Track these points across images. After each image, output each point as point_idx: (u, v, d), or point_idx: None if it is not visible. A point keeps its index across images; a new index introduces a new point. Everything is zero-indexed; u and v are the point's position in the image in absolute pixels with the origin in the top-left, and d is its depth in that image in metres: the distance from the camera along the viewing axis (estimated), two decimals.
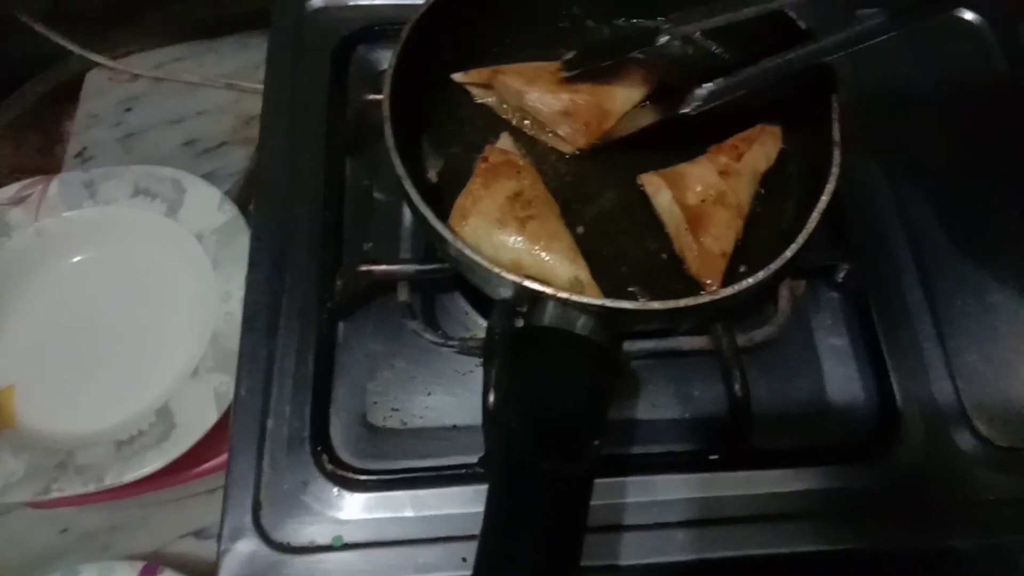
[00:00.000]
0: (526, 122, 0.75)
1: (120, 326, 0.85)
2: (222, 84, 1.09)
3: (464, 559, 0.63)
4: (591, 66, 0.71)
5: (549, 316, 0.59)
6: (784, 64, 0.67)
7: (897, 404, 0.71)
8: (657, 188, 0.69)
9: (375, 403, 0.71)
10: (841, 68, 0.70)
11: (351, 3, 0.91)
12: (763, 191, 0.72)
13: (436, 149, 0.74)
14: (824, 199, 0.63)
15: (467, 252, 0.60)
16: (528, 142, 0.75)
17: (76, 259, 0.89)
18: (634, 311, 0.59)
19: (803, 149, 0.73)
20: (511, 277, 0.59)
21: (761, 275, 0.60)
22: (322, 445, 0.68)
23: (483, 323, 0.75)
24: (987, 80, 0.91)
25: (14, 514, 0.82)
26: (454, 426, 0.71)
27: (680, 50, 0.78)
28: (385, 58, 0.87)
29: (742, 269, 0.68)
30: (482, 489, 0.65)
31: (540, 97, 0.72)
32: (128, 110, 1.08)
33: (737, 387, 0.64)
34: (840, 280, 0.76)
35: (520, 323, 0.65)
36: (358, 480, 0.67)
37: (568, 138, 0.73)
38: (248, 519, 0.64)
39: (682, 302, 0.59)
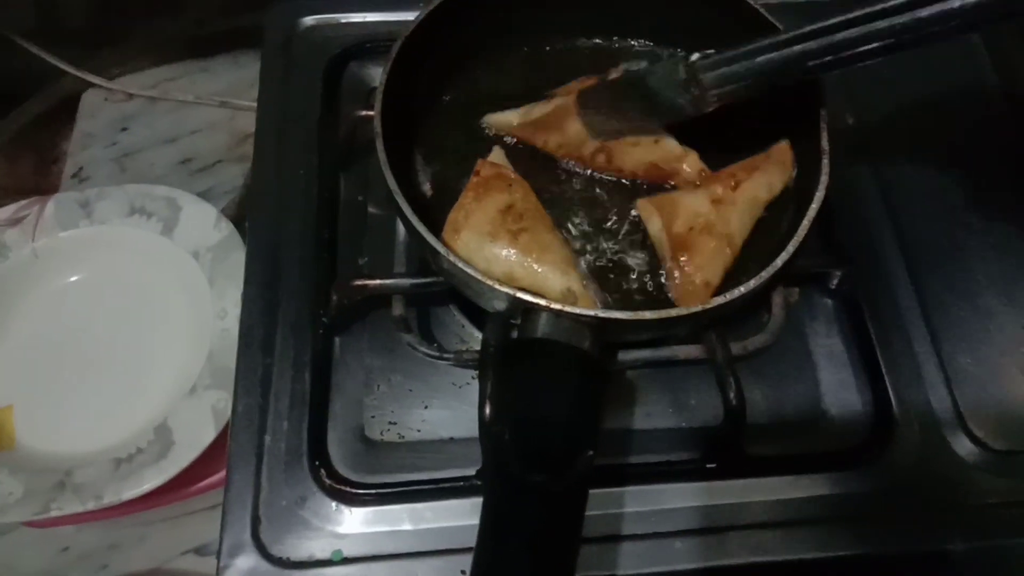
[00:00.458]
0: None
1: (117, 345, 0.86)
2: (216, 102, 1.09)
3: (463, 572, 0.64)
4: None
5: (543, 328, 0.59)
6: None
7: (892, 409, 0.71)
8: (649, 214, 0.69)
9: (372, 417, 0.72)
10: (829, 78, 0.70)
11: (343, 20, 0.92)
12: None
13: (428, 163, 0.75)
14: (814, 207, 0.64)
15: (460, 265, 0.60)
16: (523, 156, 0.75)
17: (73, 279, 0.90)
18: (627, 321, 0.59)
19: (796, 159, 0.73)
20: (504, 289, 0.59)
21: (752, 283, 0.60)
22: (320, 460, 0.68)
23: (478, 336, 0.75)
24: (977, 90, 0.91)
25: (13, 534, 0.83)
26: (451, 439, 0.71)
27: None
28: (376, 74, 0.88)
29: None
30: (479, 502, 0.64)
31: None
32: (123, 130, 1.09)
33: (732, 395, 0.65)
34: (833, 287, 0.77)
35: (515, 335, 0.65)
36: (356, 494, 0.67)
37: None
38: (247, 535, 0.64)
39: (674, 312, 0.60)
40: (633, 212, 0.71)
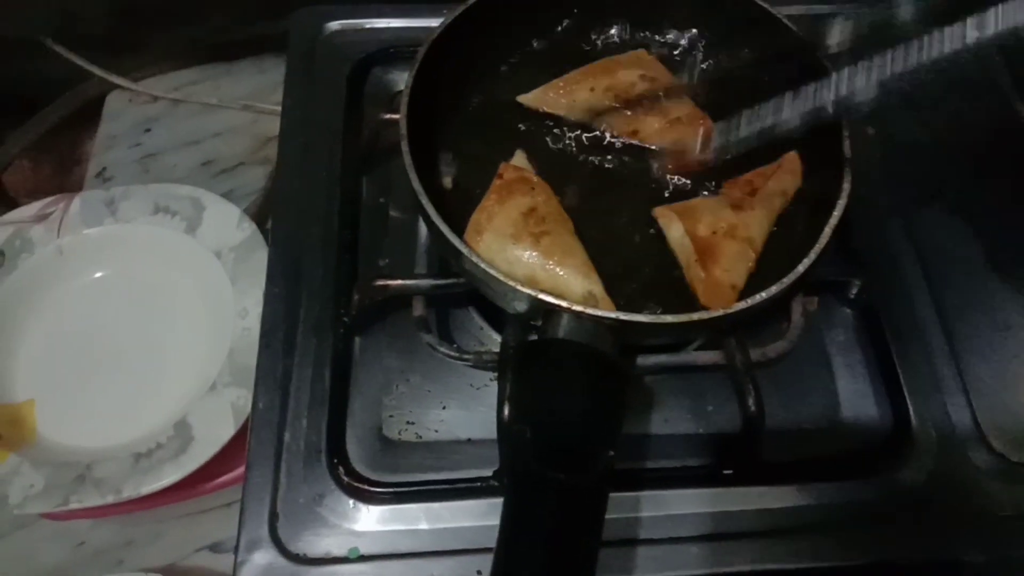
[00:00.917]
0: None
1: (139, 341, 0.86)
2: (239, 106, 1.10)
3: (479, 572, 0.64)
4: None
5: (563, 329, 0.59)
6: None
7: (910, 419, 0.71)
8: (670, 221, 0.70)
9: (391, 417, 0.72)
10: None
11: (367, 26, 0.94)
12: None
13: (450, 166, 0.76)
14: (836, 215, 0.64)
15: (482, 266, 0.61)
16: (546, 160, 0.76)
17: (96, 275, 0.90)
18: (647, 324, 0.59)
19: (814, 167, 0.74)
20: (526, 291, 0.59)
21: (774, 289, 0.61)
22: (338, 458, 0.68)
23: (497, 338, 0.75)
24: (997, 100, 0.91)
25: (30, 528, 0.83)
26: (469, 439, 0.71)
27: None
28: (400, 79, 0.90)
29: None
30: (496, 502, 0.65)
31: None
32: (147, 131, 1.10)
33: (750, 401, 0.65)
34: (852, 296, 0.77)
35: (534, 337, 0.65)
36: (374, 493, 0.67)
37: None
38: (265, 531, 0.65)
39: (695, 316, 0.60)
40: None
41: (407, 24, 0.93)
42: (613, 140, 0.76)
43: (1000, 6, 0.51)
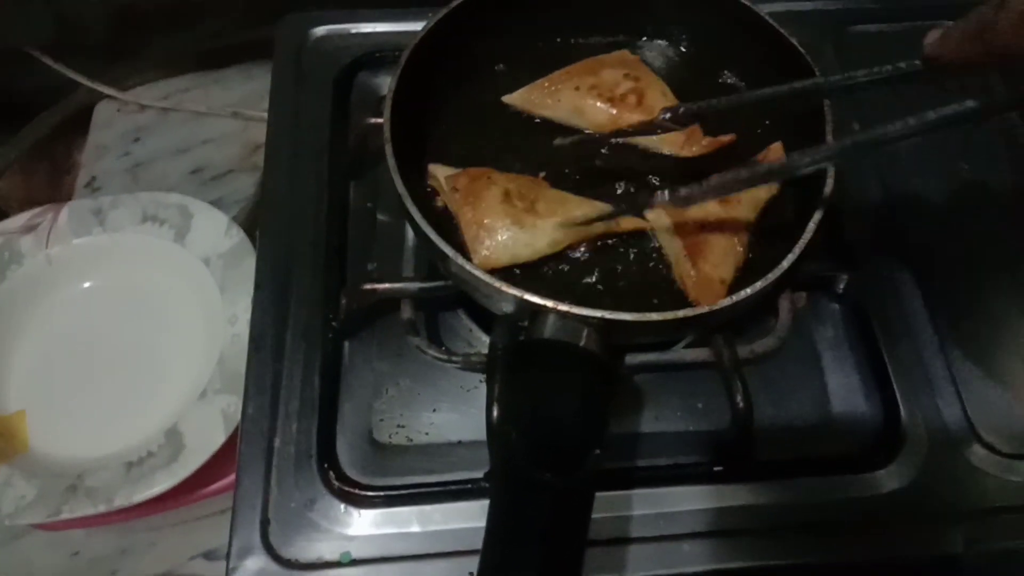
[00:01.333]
0: None
1: (129, 350, 0.86)
2: (228, 113, 1.11)
3: (471, 574, 0.63)
4: None
5: (550, 329, 0.59)
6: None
7: (900, 413, 0.71)
8: (657, 217, 0.70)
9: (381, 420, 0.72)
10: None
11: (352, 31, 0.94)
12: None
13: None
14: (820, 209, 0.64)
15: (469, 268, 0.61)
16: (533, 160, 0.76)
17: (86, 285, 0.90)
18: (633, 322, 0.59)
19: None
20: (512, 292, 0.59)
21: (759, 285, 0.61)
22: (329, 463, 0.69)
23: (486, 339, 0.76)
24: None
25: (25, 538, 0.83)
26: (459, 442, 0.71)
27: None
28: (385, 83, 0.88)
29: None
30: (488, 504, 0.66)
31: None
32: (136, 140, 1.10)
33: (739, 398, 0.65)
34: (840, 291, 0.77)
35: (522, 338, 0.65)
36: (365, 497, 0.67)
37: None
38: (257, 537, 0.65)
39: (681, 313, 0.60)
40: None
41: (393, 28, 0.93)
42: (598, 139, 0.76)
43: None
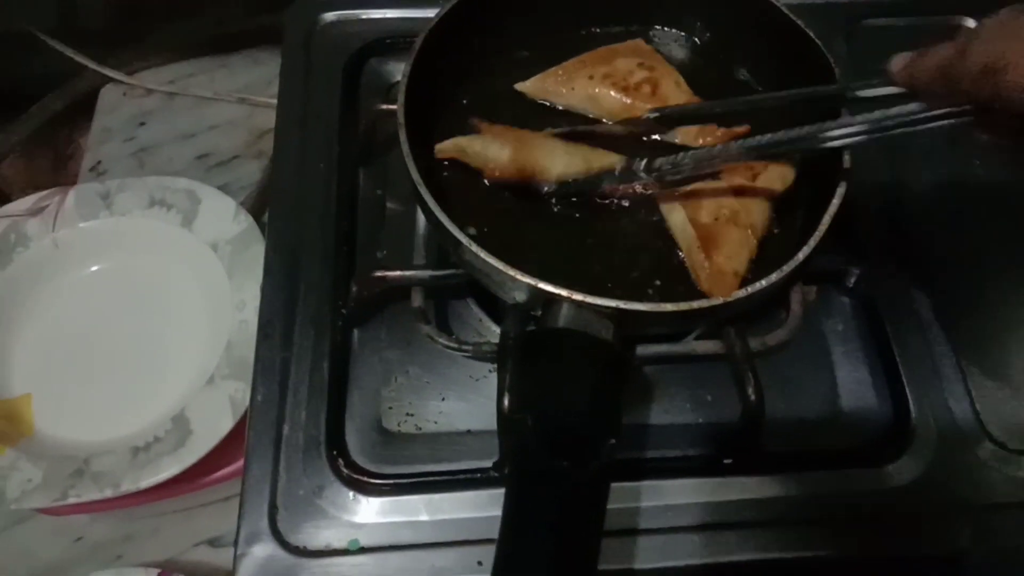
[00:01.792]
0: None
1: (136, 335, 0.86)
2: (234, 99, 1.10)
3: (480, 563, 0.63)
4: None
5: (563, 318, 0.59)
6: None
7: (910, 408, 0.71)
8: (671, 207, 0.70)
9: (390, 408, 0.72)
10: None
11: (362, 17, 0.93)
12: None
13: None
14: (835, 202, 0.64)
15: (482, 255, 0.61)
16: None
17: (92, 269, 0.90)
18: (647, 313, 0.59)
19: (813, 155, 0.73)
20: (526, 280, 0.59)
21: (774, 277, 0.60)
22: (338, 450, 0.68)
23: (495, 329, 0.75)
24: None
25: (29, 523, 0.83)
26: (468, 431, 0.71)
27: None
28: (396, 70, 0.90)
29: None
30: (496, 493, 0.66)
31: None
32: (142, 124, 1.09)
33: (750, 391, 0.64)
34: (850, 285, 0.77)
35: (533, 328, 0.65)
36: (373, 484, 0.67)
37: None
38: (265, 523, 0.65)
39: (695, 304, 0.60)
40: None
41: (402, 15, 0.93)
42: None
43: None
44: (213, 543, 0.83)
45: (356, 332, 0.75)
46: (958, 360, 0.74)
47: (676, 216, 0.68)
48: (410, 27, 0.88)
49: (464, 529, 0.65)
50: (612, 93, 0.75)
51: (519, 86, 0.78)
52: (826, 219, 0.63)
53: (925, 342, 0.74)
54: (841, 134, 0.57)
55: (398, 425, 0.71)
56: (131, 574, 0.76)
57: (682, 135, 0.74)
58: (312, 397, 0.70)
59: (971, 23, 0.94)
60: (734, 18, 0.78)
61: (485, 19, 0.76)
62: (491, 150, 0.69)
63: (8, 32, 1.05)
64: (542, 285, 0.59)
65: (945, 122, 0.51)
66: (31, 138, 1.12)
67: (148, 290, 0.88)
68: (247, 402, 0.71)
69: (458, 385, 0.73)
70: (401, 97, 0.67)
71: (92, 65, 1.09)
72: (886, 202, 0.82)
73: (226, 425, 0.75)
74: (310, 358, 0.72)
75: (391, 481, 0.67)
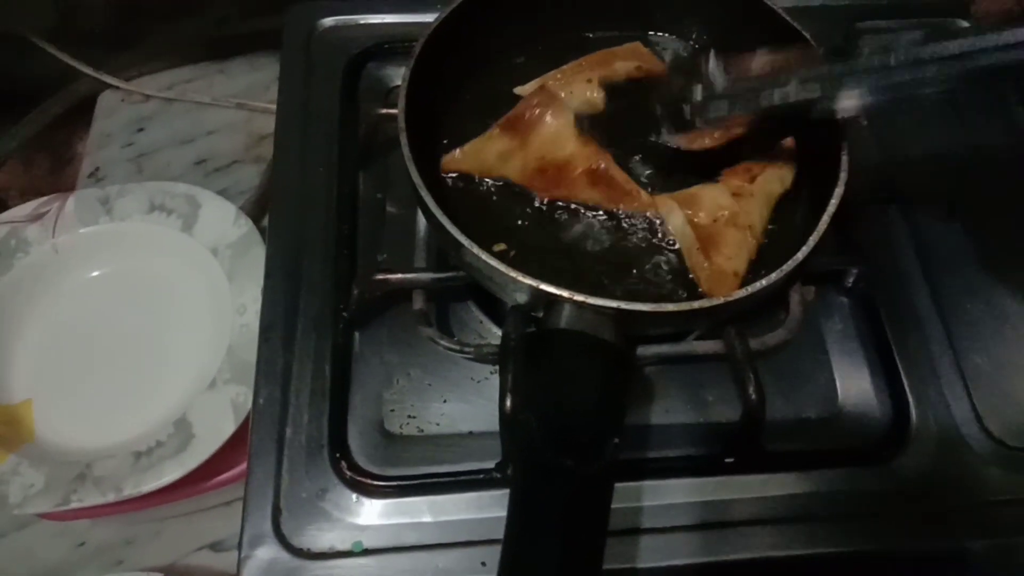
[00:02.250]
0: None
1: (137, 339, 0.86)
2: (232, 104, 1.10)
3: (484, 563, 0.64)
4: None
5: (565, 319, 0.59)
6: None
7: (909, 407, 0.72)
8: (670, 209, 0.70)
9: (392, 411, 0.72)
10: None
11: (361, 22, 0.94)
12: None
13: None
14: (834, 203, 0.64)
15: (484, 257, 0.61)
16: None
17: (93, 274, 0.90)
18: (648, 313, 0.59)
19: (811, 156, 0.74)
20: (528, 281, 0.59)
21: (774, 276, 0.61)
22: (340, 452, 0.68)
23: (497, 332, 0.76)
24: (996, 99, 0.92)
25: (31, 528, 0.83)
26: (470, 432, 0.71)
27: None
28: (395, 74, 0.90)
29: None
30: (499, 494, 0.66)
31: None
32: (140, 130, 1.10)
33: (751, 390, 0.64)
34: (849, 285, 0.77)
35: (534, 329, 0.65)
36: (376, 486, 0.67)
37: None
38: (268, 526, 0.65)
39: (695, 304, 0.60)
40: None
41: (401, 19, 0.93)
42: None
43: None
44: (215, 547, 0.83)
45: (357, 335, 0.75)
46: (957, 358, 0.74)
47: (675, 219, 0.69)
48: (408, 32, 0.89)
49: (467, 530, 0.65)
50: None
51: (518, 90, 0.78)
52: (825, 219, 0.64)
53: (924, 341, 0.75)
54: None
55: (400, 427, 0.71)
56: None
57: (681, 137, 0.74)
58: (314, 400, 0.70)
59: (966, 27, 0.95)
60: (732, 22, 0.79)
61: (484, 23, 0.77)
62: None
63: (5, 36, 1.05)
64: (544, 287, 0.59)
65: None
66: (29, 143, 1.12)
67: (149, 295, 0.89)
68: (249, 406, 0.71)
69: (460, 387, 0.73)
70: (402, 102, 0.68)
71: (90, 71, 1.09)
72: (885, 201, 0.82)
73: (228, 429, 0.75)
74: (312, 361, 0.72)
75: (394, 483, 0.67)
